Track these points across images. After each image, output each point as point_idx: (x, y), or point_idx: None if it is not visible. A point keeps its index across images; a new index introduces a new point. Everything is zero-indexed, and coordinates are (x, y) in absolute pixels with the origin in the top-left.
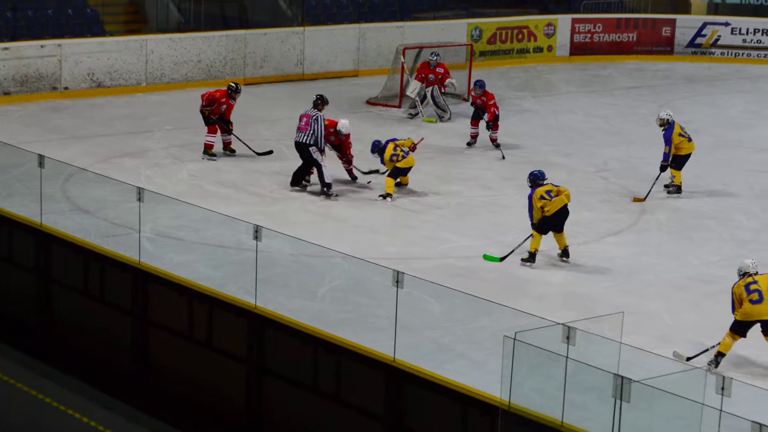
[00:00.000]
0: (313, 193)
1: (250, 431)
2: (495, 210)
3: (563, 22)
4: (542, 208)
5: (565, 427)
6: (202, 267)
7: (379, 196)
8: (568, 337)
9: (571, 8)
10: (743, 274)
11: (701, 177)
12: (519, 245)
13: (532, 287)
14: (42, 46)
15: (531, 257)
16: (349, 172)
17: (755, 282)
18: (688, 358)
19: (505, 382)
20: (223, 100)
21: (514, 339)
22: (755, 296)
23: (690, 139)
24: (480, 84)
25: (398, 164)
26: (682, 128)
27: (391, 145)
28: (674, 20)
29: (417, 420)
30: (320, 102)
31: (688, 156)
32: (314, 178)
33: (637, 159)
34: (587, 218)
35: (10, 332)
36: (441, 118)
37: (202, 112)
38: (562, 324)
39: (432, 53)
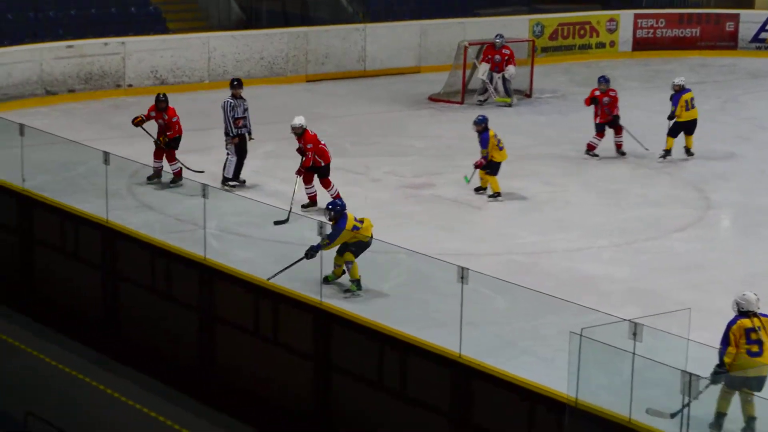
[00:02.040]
0: (374, 188)
1: (318, 427)
2: (558, 206)
3: (625, 17)
4: None
5: (632, 423)
6: (266, 263)
7: (489, 197)
8: (634, 334)
9: (634, 3)
10: (743, 312)
11: (767, 173)
12: None
13: (597, 283)
14: (105, 44)
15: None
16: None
17: (756, 330)
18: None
19: (571, 379)
20: (153, 114)
21: (581, 335)
22: (755, 348)
23: (689, 109)
24: (605, 79)
25: (494, 156)
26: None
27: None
28: (738, 15)
29: (483, 416)
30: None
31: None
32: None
33: (702, 154)
34: (653, 214)
35: (77, 327)
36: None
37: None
38: (629, 320)
39: (497, 35)
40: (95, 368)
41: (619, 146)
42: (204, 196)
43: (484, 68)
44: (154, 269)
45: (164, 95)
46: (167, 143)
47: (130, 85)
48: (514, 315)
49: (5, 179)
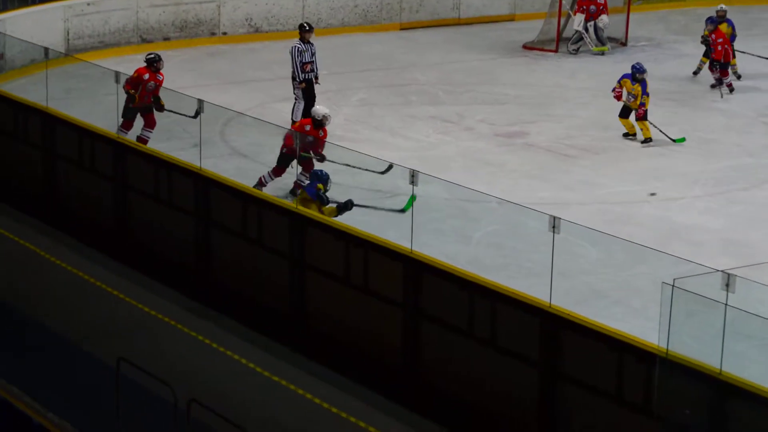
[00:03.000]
0: (467, 137)
1: (406, 374)
2: (653, 155)
3: None
4: None
5: (723, 375)
6: (358, 212)
7: (642, 142)
8: (727, 285)
9: None
10: None
11: None
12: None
13: (690, 233)
14: None
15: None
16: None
17: None
18: None
19: (662, 330)
20: (147, 76)
21: (673, 285)
22: None
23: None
24: (712, 20)
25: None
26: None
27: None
28: None
29: (572, 366)
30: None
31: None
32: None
33: None
34: (748, 163)
35: (171, 275)
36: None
37: (128, 105)
38: (722, 271)
39: None
40: (188, 315)
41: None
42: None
43: (579, 18)
44: (246, 217)
45: (157, 54)
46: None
47: (225, 33)
48: (605, 265)
49: (102, 127)
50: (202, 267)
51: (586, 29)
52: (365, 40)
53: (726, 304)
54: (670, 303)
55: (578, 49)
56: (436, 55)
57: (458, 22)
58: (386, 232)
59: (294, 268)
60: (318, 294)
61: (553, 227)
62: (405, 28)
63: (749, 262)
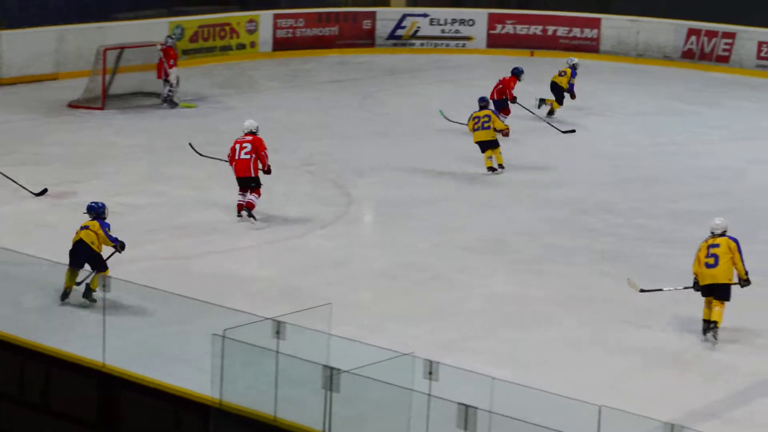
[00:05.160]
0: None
1: None
2: (201, 208)
3: (265, 18)
4: None
5: (278, 421)
6: None
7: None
8: (277, 332)
9: (272, 4)
10: (711, 234)
11: (405, 166)
12: None
13: (246, 284)
14: None
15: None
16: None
17: (717, 245)
18: (641, 290)
19: (215, 381)
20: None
21: (224, 337)
22: (711, 260)
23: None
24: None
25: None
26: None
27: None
28: (374, 13)
29: (131, 425)
30: None
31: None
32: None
33: (341, 151)
34: (296, 212)
35: None
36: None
37: None
38: (271, 319)
39: (169, 35)
40: None
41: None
42: None
43: (175, 73)
44: None
45: None
46: None
47: None
48: (161, 321)
49: None
50: None
51: (178, 82)
52: None
53: (277, 352)
54: (221, 354)
55: (172, 102)
56: None
57: (0, 82)
58: None
59: None
60: None
61: (104, 285)
62: None
63: (300, 308)
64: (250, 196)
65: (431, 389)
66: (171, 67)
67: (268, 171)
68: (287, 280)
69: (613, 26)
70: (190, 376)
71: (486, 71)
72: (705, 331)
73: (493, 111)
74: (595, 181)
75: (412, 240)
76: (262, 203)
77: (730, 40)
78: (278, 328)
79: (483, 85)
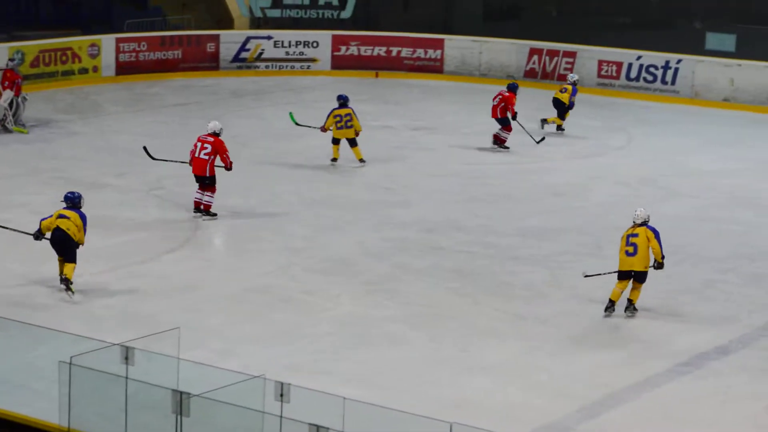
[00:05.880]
0: None
1: None
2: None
3: (107, 42)
4: None
5: None
6: None
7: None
8: (126, 358)
9: (115, 28)
10: (633, 224)
11: (252, 189)
12: None
13: (80, 312)
14: None
15: None
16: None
17: (636, 235)
18: (585, 275)
19: (63, 409)
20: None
21: (70, 364)
22: (631, 249)
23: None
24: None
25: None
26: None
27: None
28: (218, 36)
29: None
30: None
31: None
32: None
33: (189, 175)
34: (143, 237)
35: None
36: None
37: None
38: (120, 345)
39: (10, 58)
40: None
41: None
42: None
43: (7, 95)
44: None
45: None
46: None
47: None
48: (5, 349)
49: None
50: None
51: (12, 106)
52: None
53: (126, 378)
54: (68, 381)
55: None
56: None
57: None
58: None
59: None
60: None
61: None
62: None
63: (148, 333)
64: (206, 198)
65: (283, 411)
66: (5, 89)
67: (229, 168)
68: (135, 305)
69: (457, 47)
70: (38, 404)
71: (331, 92)
72: (607, 308)
73: (352, 110)
74: (443, 199)
75: (260, 263)
76: (111, 228)
77: (571, 59)
78: (127, 354)
79: (328, 107)
